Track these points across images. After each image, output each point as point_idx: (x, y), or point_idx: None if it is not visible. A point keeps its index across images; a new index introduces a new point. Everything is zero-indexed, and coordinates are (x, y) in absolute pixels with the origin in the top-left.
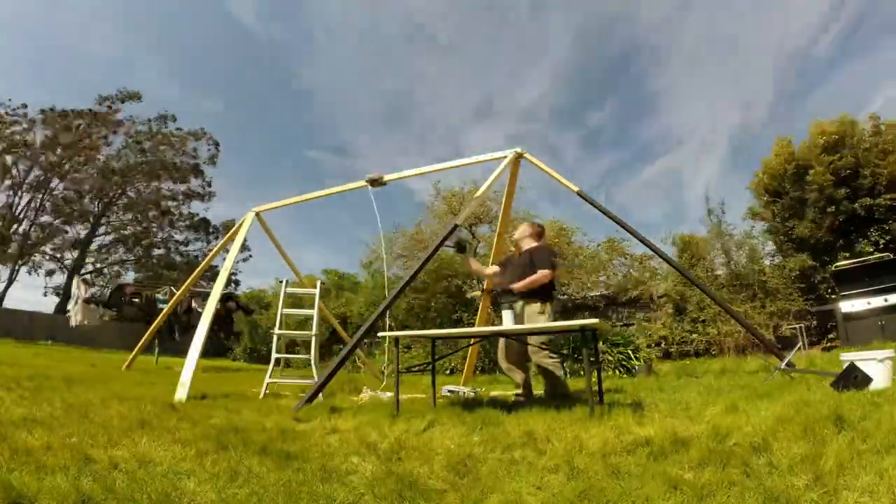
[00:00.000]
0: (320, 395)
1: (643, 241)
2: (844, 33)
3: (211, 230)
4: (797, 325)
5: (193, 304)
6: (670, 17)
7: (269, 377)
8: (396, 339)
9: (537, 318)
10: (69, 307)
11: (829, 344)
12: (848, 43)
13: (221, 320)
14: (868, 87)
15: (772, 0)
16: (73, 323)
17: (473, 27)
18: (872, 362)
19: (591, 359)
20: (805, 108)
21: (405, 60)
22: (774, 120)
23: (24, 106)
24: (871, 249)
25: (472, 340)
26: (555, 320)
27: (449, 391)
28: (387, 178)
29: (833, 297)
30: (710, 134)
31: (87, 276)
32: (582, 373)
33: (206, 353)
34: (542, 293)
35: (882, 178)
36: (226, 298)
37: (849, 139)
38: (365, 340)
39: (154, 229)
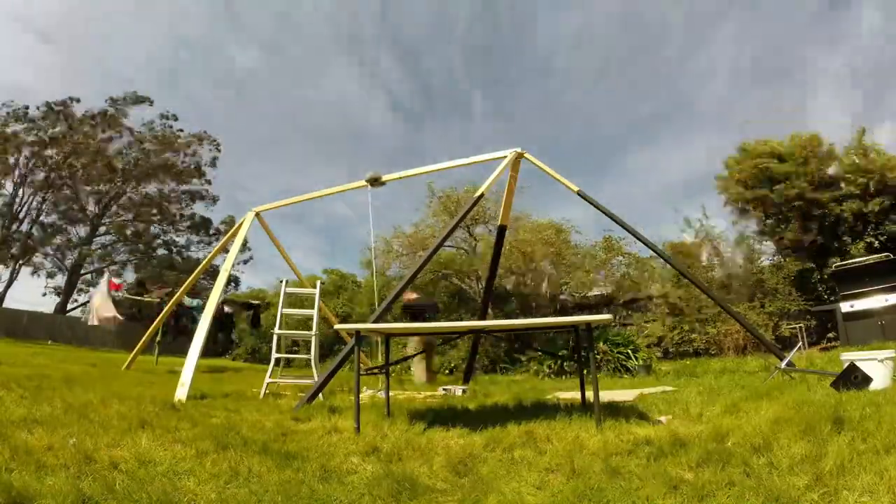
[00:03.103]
0: (320, 394)
1: (643, 240)
2: None
3: (212, 231)
4: (797, 325)
5: (226, 309)
6: None
7: (269, 377)
8: (358, 333)
9: None
10: (91, 304)
11: (828, 344)
12: None
13: (222, 322)
14: None
15: None
16: (94, 321)
17: None
18: (873, 362)
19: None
20: None
21: None
22: None
23: (26, 107)
24: (864, 249)
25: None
26: None
27: (444, 390)
28: (386, 177)
29: (832, 297)
30: None
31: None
32: (587, 372)
33: (206, 353)
34: None
35: (871, 185)
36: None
37: (800, 166)
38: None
39: (154, 229)
